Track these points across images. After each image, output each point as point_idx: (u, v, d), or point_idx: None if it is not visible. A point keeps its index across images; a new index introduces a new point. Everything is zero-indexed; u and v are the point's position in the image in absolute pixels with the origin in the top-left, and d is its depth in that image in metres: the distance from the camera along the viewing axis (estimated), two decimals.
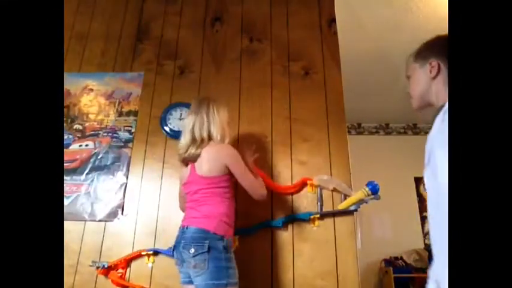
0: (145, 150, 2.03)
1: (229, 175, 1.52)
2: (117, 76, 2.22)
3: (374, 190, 1.67)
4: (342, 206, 1.77)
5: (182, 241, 1.41)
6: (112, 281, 1.76)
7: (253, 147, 1.73)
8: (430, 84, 1.04)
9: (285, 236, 1.79)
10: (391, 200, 3.06)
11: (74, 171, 2.01)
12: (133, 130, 2.08)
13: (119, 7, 2.42)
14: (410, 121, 4.52)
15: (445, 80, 1.01)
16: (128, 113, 2.13)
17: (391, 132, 4.58)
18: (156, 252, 1.80)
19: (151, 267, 1.79)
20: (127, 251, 1.82)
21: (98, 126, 2.12)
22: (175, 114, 2.05)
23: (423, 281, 1.02)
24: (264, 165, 1.88)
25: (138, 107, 2.13)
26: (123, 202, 1.93)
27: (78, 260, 1.83)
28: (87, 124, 2.13)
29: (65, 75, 2.21)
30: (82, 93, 2.21)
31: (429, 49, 1.07)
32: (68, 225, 1.88)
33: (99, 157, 2.03)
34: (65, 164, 2.01)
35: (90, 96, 2.20)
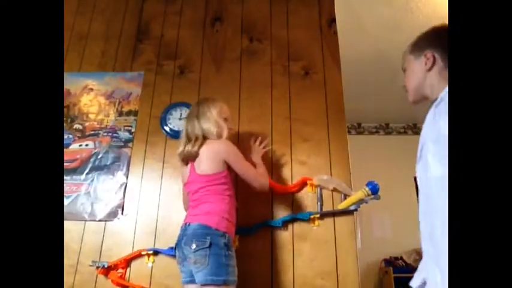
0: (145, 150, 2.03)
1: (228, 170, 1.54)
2: (117, 76, 2.22)
3: (374, 190, 1.67)
4: (342, 205, 1.77)
5: (184, 238, 1.42)
6: (112, 280, 1.76)
7: (266, 141, 1.84)
8: (425, 76, 1.03)
9: (285, 235, 1.79)
10: (391, 200, 3.05)
11: (74, 171, 2.01)
12: (133, 130, 2.08)
13: (118, 7, 2.42)
14: (410, 121, 4.51)
15: (440, 72, 1.00)
16: (128, 113, 2.12)
17: (391, 132, 4.57)
18: (156, 252, 1.80)
19: (151, 267, 1.79)
20: (127, 251, 1.82)
21: (98, 126, 2.12)
22: (175, 114, 2.05)
23: None
24: (264, 165, 1.88)
25: (138, 106, 2.13)
26: (123, 202, 1.93)
27: (78, 259, 1.83)
28: (87, 124, 2.13)
29: (65, 74, 2.21)
30: (82, 93, 2.21)
31: (424, 40, 1.06)
32: (68, 225, 1.88)
33: (99, 157, 2.03)
34: (65, 164, 2.01)
35: (90, 96, 2.20)
